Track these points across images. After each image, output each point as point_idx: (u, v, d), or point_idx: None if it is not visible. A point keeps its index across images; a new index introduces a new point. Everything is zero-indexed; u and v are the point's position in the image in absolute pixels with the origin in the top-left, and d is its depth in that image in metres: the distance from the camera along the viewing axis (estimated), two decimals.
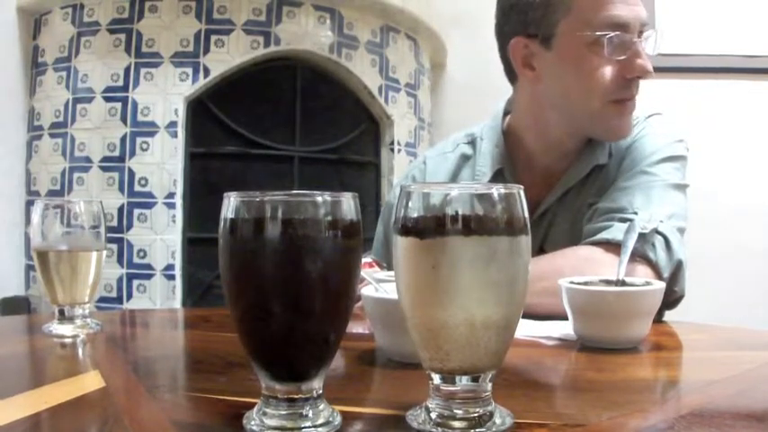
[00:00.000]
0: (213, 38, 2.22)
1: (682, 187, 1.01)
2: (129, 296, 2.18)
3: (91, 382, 0.57)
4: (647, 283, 0.75)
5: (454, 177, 1.16)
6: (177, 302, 2.18)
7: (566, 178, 1.07)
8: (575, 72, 1.00)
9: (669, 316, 0.94)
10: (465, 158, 1.17)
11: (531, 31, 1.02)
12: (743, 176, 2.72)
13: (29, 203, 2.31)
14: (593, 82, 0.98)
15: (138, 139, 2.19)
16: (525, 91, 1.10)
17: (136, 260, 2.18)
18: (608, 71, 0.97)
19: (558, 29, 0.99)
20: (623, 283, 0.76)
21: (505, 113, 1.16)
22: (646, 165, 1.00)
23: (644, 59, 0.97)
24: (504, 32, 1.07)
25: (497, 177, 1.10)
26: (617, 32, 0.95)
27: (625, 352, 0.69)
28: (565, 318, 0.74)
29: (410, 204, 0.45)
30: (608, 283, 0.76)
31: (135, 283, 2.18)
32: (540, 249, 1.02)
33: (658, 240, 0.89)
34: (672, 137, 1.05)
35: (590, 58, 0.97)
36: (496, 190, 0.44)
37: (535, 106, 1.09)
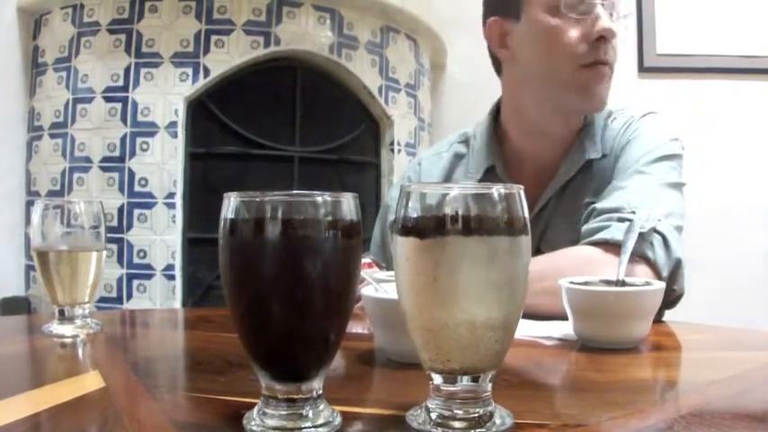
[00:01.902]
0: (213, 38, 2.22)
1: (678, 186, 1.01)
2: (129, 296, 2.18)
3: (91, 382, 0.57)
4: (647, 284, 0.75)
5: (448, 176, 1.17)
6: (177, 303, 2.18)
7: (558, 174, 1.07)
8: (542, 39, 1.03)
9: (669, 316, 0.94)
10: (459, 157, 1.18)
11: (503, 9, 1.07)
12: (743, 176, 2.72)
13: (29, 204, 2.31)
14: (559, 46, 1.01)
15: (138, 140, 2.19)
16: (506, 79, 1.13)
17: (136, 260, 2.18)
18: (573, 34, 1.00)
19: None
20: (623, 284, 0.76)
21: (498, 111, 1.17)
22: (642, 164, 1.00)
23: (605, 20, 1.00)
24: (484, 19, 1.11)
25: (489, 175, 1.11)
26: None
27: (625, 352, 0.69)
28: (565, 318, 0.74)
29: (410, 204, 0.45)
30: (608, 283, 0.76)
31: (135, 283, 2.18)
32: (536, 249, 1.02)
33: (657, 239, 0.89)
34: (667, 136, 1.05)
35: (554, 21, 1.01)
36: (496, 190, 0.44)
37: (514, 93, 1.12)
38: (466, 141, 1.20)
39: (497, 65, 1.15)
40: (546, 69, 1.05)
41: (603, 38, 1.00)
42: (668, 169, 1.01)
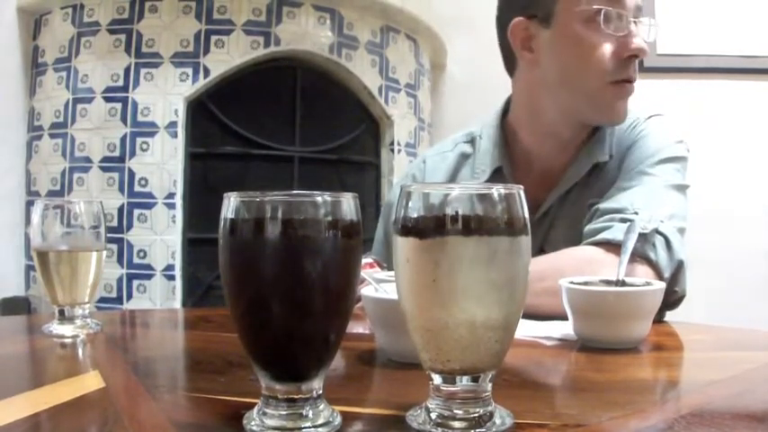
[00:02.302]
0: (213, 38, 2.22)
1: (682, 188, 1.01)
2: (129, 296, 2.18)
3: (91, 382, 0.57)
4: (648, 284, 0.75)
5: (453, 176, 1.16)
6: (177, 303, 2.18)
7: (566, 177, 1.06)
8: (573, 50, 1.02)
9: (670, 316, 0.94)
10: (464, 157, 1.17)
11: (531, 11, 1.04)
12: (743, 176, 2.72)
13: (29, 204, 2.31)
14: (591, 60, 1.00)
15: (138, 140, 2.19)
16: (522, 80, 1.11)
17: (136, 260, 2.18)
18: (605, 49, 0.99)
19: (558, 6, 1.02)
20: (623, 284, 0.76)
21: (505, 112, 1.16)
22: (646, 165, 1.00)
23: (638, 39, 0.99)
24: (505, 17, 1.08)
25: (496, 176, 1.10)
26: (613, 7, 0.98)
27: (625, 352, 0.69)
28: (565, 318, 0.74)
29: (410, 204, 0.45)
30: (608, 283, 0.76)
31: (135, 283, 2.18)
32: (540, 250, 1.02)
33: (659, 240, 0.89)
34: (672, 138, 1.05)
35: (588, 34, 0.99)
36: (497, 190, 0.44)
37: (530, 95, 1.10)
38: (472, 141, 1.18)
39: (511, 64, 1.12)
40: (572, 80, 1.03)
41: (635, 56, 1.00)
42: (673, 171, 1.01)
